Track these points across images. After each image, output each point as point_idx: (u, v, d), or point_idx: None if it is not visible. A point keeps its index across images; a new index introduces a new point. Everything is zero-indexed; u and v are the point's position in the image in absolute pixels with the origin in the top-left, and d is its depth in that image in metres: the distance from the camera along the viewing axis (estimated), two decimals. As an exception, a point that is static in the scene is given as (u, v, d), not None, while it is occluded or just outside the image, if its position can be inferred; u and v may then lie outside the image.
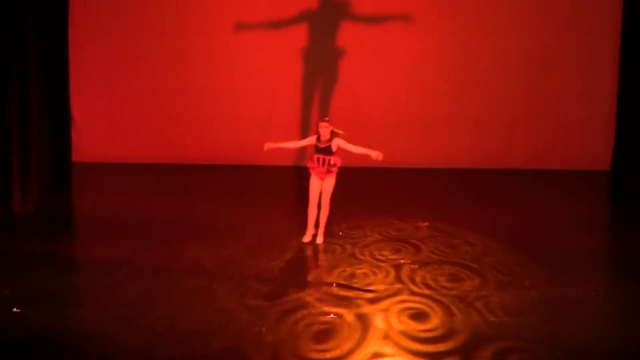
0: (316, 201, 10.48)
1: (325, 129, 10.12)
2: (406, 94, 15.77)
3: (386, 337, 7.97)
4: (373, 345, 7.81)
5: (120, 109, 15.99)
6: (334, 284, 9.33)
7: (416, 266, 9.94)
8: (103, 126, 15.94)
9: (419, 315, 8.48)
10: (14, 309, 8.46)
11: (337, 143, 10.15)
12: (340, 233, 11.31)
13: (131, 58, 15.85)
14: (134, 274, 9.59)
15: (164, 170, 14.90)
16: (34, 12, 13.05)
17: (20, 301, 8.65)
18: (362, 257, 10.26)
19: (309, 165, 10.42)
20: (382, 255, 10.36)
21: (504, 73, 15.65)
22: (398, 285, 9.30)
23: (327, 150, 10.18)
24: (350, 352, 7.66)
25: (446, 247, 10.74)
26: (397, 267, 9.91)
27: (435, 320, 8.33)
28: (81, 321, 8.28)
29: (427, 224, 11.78)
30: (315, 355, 7.61)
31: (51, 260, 10.05)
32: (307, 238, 10.77)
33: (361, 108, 15.79)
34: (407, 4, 15.57)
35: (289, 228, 11.50)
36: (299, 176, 15.23)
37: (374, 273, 9.70)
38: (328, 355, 7.59)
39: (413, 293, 9.09)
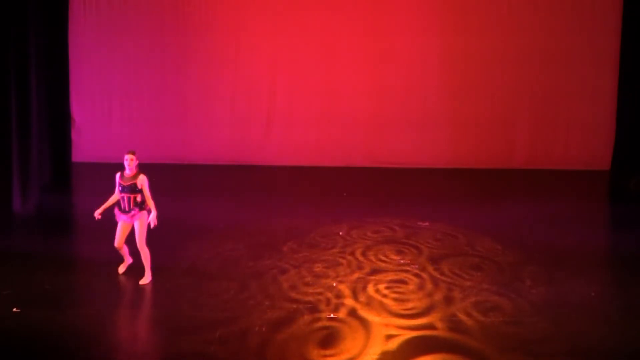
0: (122, 242, 9.48)
1: (131, 162, 9.28)
2: (407, 95, 15.76)
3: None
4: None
5: (119, 109, 16.00)
6: (334, 284, 9.34)
7: (416, 266, 9.95)
8: (103, 126, 15.96)
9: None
10: (14, 309, 8.46)
11: (142, 180, 9.27)
12: (340, 233, 11.29)
13: (131, 58, 15.86)
14: (133, 274, 9.57)
15: (164, 170, 14.88)
16: (34, 13, 13.07)
17: (20, 301, 8.65)
18: (368, 261, 10.20)
19: (115, 210, 9.41)
20: (386, 257, 10.33)
21: (504, 73, 15.65)
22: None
23: (133, 188, 9.24)
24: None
25: (445, 247, 10.74)
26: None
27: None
28: (80, 321, 8.27)
29: (427, 223, 11.78)
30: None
31: (51, 260, 10.06)
32: (121, 269, 9.74)
33: (361, 108, 15.78)
34: (408, 5, 15.57)
35: (289, 228, 11.49)
36: (299, 176, 15.23)
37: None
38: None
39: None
